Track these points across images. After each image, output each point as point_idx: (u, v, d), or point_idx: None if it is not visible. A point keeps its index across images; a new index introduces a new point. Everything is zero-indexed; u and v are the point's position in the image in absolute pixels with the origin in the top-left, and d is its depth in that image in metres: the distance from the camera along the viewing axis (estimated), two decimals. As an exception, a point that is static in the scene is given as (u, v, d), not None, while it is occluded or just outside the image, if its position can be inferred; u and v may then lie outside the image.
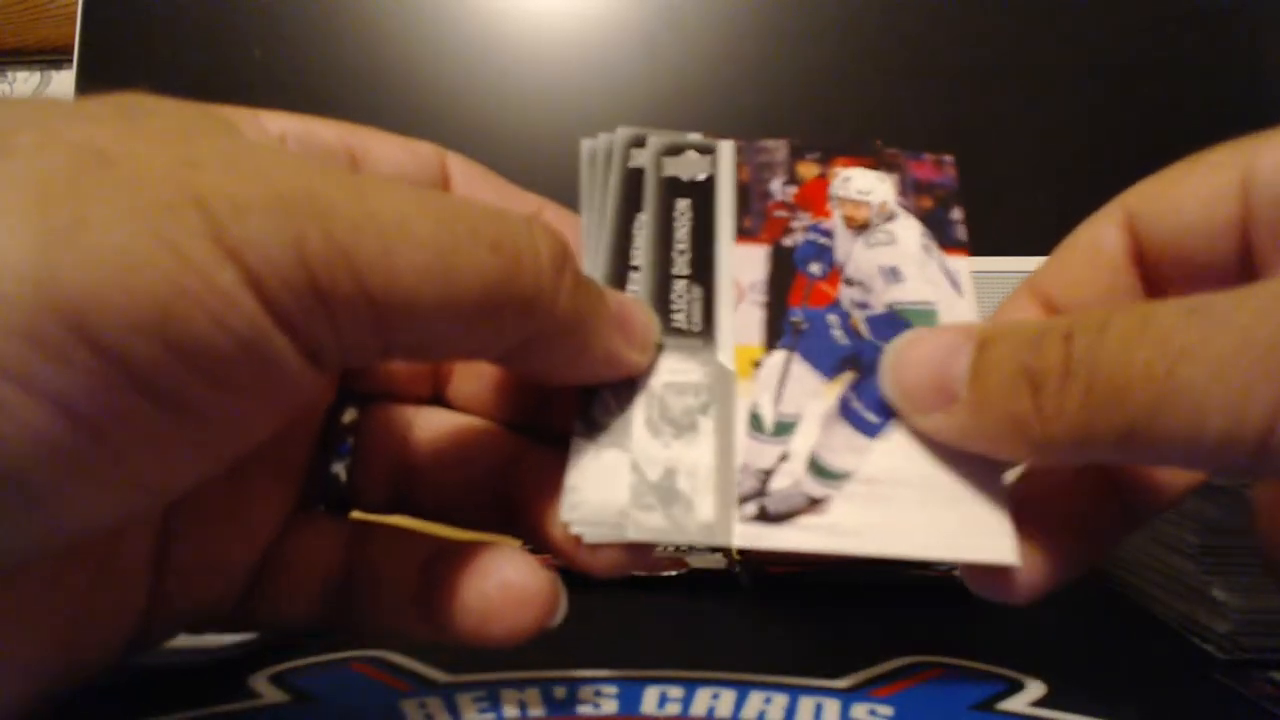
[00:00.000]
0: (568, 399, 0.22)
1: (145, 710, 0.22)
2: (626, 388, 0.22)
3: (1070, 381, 0.18)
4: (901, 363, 0.22)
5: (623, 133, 0.26)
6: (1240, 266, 0.22)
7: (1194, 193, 0.22)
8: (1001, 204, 0.50)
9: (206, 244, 0.14)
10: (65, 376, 0.13)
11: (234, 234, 0.14)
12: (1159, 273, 0.23)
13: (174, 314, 0.13)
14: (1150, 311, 0.17)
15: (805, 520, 0.21)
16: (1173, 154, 0.23)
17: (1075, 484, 0.23)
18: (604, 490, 0.21)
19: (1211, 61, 0.51)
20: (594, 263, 0.24)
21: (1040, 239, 0.49)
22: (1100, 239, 0.24)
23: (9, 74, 0.80)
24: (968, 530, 0.21)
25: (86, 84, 0.53)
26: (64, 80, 0.79)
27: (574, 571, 0.21)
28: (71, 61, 0.53)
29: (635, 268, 0.24)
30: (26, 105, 0.15)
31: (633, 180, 0.25)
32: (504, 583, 0.20)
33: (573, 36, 0.51)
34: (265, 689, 0.25)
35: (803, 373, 0.23)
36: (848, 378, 0.23)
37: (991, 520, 0.21)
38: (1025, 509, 0.22)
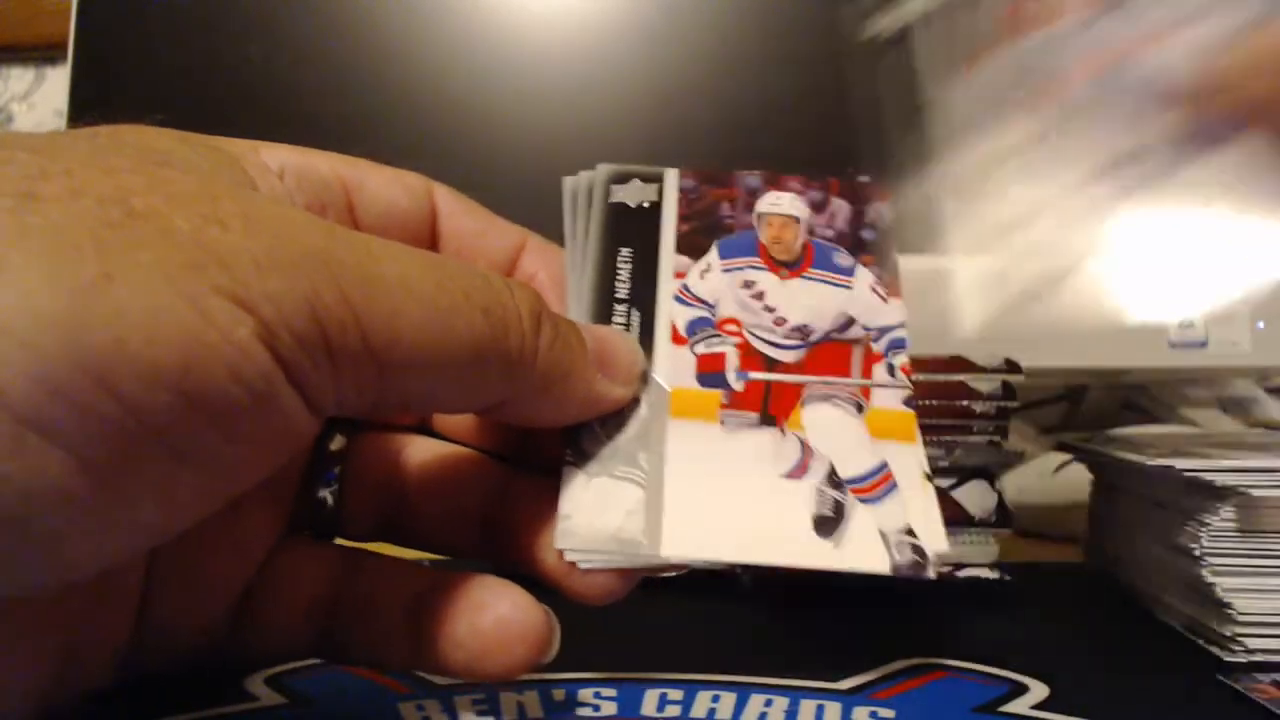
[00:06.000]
0: (554, 429, 0.22)
1: (142, 713, 0.22)
2: (614, 416, 0.22)
3: None
4: None
5: (603, 169, 0.26)
6: None
7: None
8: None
9: (226, 300, 0.14)
10: (84, 426, 0.13)
11: (253, 291, 0.15)
12: None
13: (193, 367, 0.14)
14: None
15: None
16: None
17: None
18: (596, 517, 0.21)
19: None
20: (579, 298, 0.24)
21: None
22: None
23: (4, 70, 0.79)
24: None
25: (81, 81, 0.52)
26: (58, 77, 0.79)
27: (567, 598, 0.21)
28: (66, 58, 0.52)
29: (620, 300, 0.24)
30: (52, 148, 0.15)
31: (615, 215, 0.26)
32: (499, 618, 0.20)
33: (572, 35, 0.51)
34: (262, 691, 0.24)
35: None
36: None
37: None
38: None
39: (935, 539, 0.21)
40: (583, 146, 0.50)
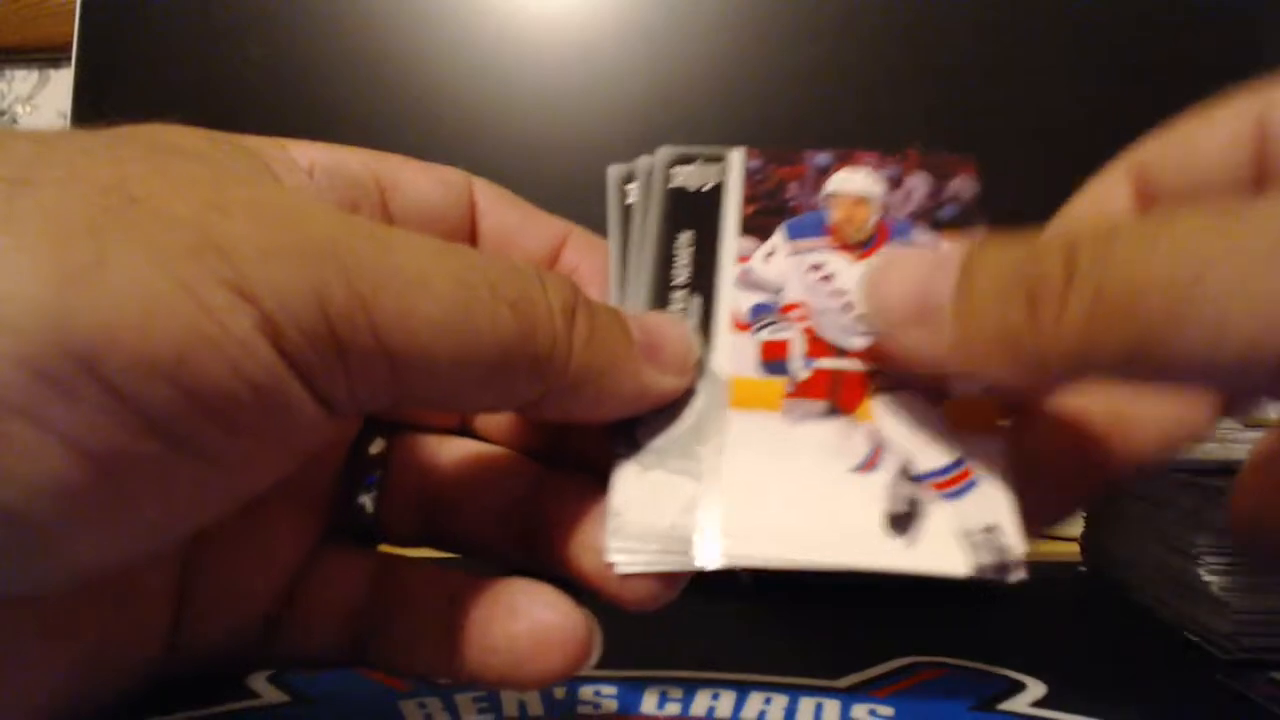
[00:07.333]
0: (595, 428, 0.21)
1: (145, 710, 0.22)
2: (669, 407, 0.21)
3: (1073, 291, 0.16)
4: (880, 279, 0.20)
5: (664, 152, 0.25)
6: None
7: (1209, 140, 0.21)
8: (1000, 202, 0.50)
9: (225, 290, 0.14)
10: (75, 414, 0.13)
11: (254, 281, 0.14)
12: None
13: (189, 358, 0.13)
14: (1171, 217, 0.16)
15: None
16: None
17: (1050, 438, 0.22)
18: (649, 514, 0.20)
19: (1212, 61, 0.50)
20: (635, 286, 0.23)
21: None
22: (1108, 196, 0.23)
23: (7, 72, 0.80)
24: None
25: (85, 82, 0.52)
26: (62, 79, 0.79)
27: (607, 602, 0.20)
28: (70, 60, 0.52)
29: (676, 287, 0.23)
30: (55, 140, 0.15)
31: (674, 200, 0.24)
32: (536, 624, 0.19)
33: (577, 31, 0.51)
34: (264, 689, 0.24)
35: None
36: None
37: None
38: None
39: (1016, 539, 0.19)
40: (613, 137, 0.50)
